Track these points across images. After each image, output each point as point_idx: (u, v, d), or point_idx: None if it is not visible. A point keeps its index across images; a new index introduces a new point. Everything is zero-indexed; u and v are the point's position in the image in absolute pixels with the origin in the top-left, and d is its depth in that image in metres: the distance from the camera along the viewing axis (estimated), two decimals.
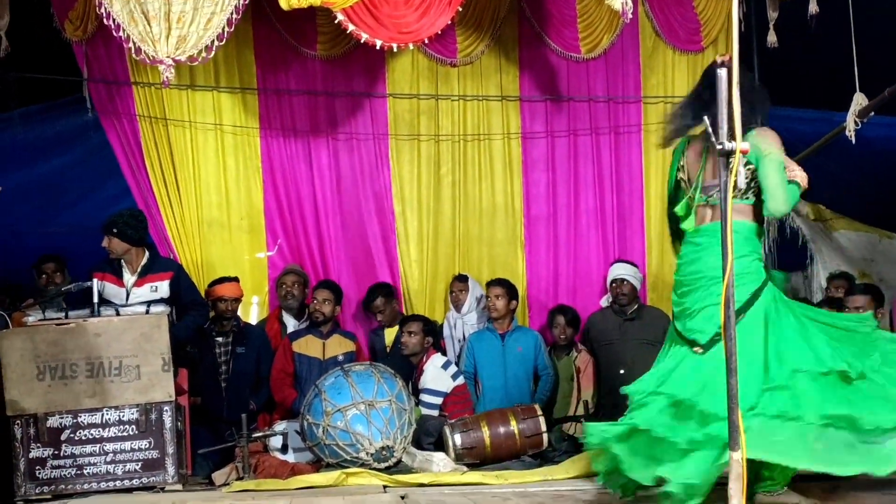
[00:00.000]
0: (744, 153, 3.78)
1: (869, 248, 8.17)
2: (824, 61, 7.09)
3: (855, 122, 6.68)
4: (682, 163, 4.69)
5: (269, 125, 8.22)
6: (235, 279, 7.50)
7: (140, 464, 5.96)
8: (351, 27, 6.74)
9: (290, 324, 7.69)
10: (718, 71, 3.82)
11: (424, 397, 7.16)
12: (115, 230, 6.67)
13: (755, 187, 4.50)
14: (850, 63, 6.65)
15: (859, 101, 6.65)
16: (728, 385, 3.71)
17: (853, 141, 6.70)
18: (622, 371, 7.56)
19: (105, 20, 6.52)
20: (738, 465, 3.61)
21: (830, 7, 6.88)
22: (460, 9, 7.00)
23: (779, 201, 4.40)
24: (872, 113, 6.73)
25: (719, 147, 3.72)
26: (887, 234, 8.45)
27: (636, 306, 7.77)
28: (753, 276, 4.46)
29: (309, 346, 7.35)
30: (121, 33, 6.49)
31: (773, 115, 8.59)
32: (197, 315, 6.84)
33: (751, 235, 4.53)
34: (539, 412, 6.81)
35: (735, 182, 3.70)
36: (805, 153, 7.83)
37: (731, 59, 3.79)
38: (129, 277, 6.73)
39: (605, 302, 8.00)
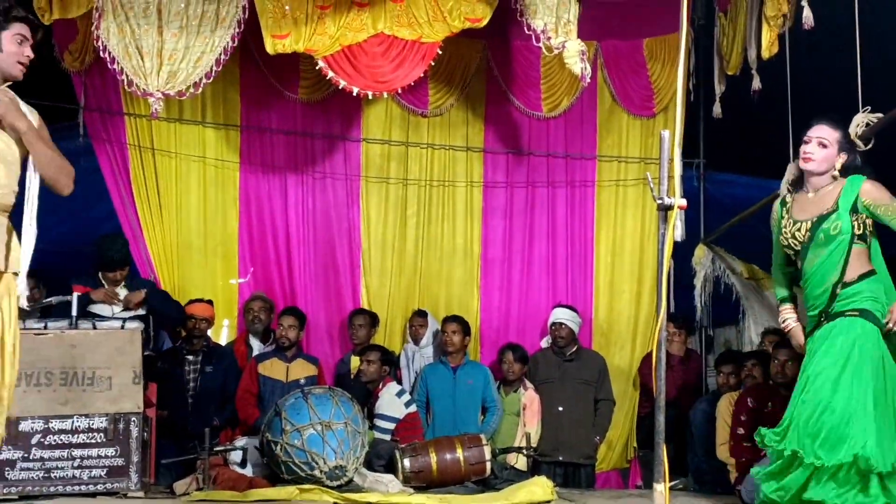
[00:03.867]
0: (682, 209, 3.84)
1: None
2: (762, 132, 7.20)
3: (787, 189, 6.71)
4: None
5: (249, 161, 8.23)
6: (209, 301, 7.47)
7: (105, 470, 5.89)
8: (330, 74, 6.80)
9: (256, 346, 7.64)
10: (662, 133, 3.89)
11: (378, 422, 7.13)
12: (128, 263, 6.81)
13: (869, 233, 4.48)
14: (787, 135, 6.74)
15: (792, 170, 6.68)
16: (656, 421, 3.75)
17: None
18: (560, 408, 7.61)
19: (101, 53, 6.54)
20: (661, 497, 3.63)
21: (771, 83, 6.99)
22: (433, 63, 7.07)
23: None
24: None
25: (659, 202, 3.79)
26: None
27: (575, 348, 7.80)
28: None
29: (273, 369, 7.30)
30: (115, 66, 6.51)
31: (714, 180, 8.81)
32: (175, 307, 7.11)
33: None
34: (484, 442, 6.80)
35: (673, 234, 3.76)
36: (740, 216, 7.93)
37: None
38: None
39: (545, 343, 8.03)
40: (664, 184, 3.80)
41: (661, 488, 3.61)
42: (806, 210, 4.60)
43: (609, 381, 7.82)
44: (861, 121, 5.52)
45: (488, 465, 6.73)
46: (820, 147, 4.59)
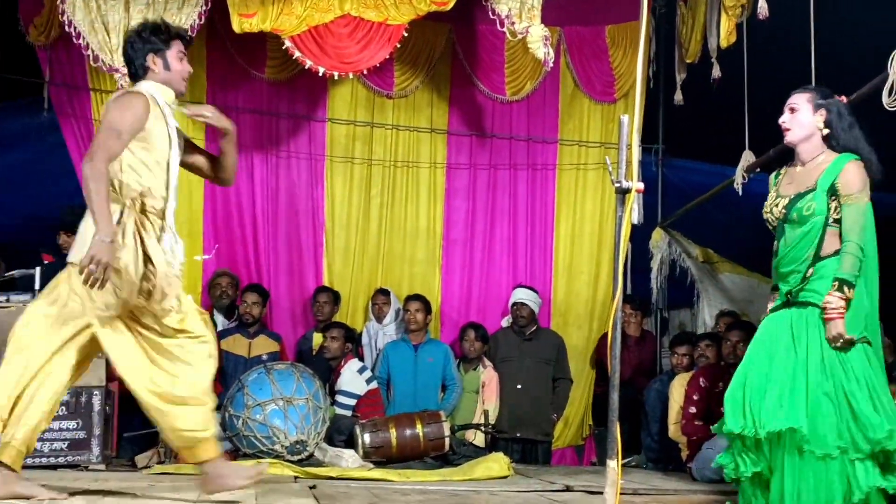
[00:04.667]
0: (640, 192, 3.82)
1: (749, 290, 8.31)
2: (720, 120, 7.22)
3: (743, 176, 6.76)
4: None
5: (215, 139, 8.03)
6: None
7: (67, 443, 5.85)
8: (297, 53, 6.76)
9: (220, 322, 7.59)
10: (621, 117, 3.87)
11: (339, 398, 7.12)
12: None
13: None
14: (743, 123, 6.78)
15: (748, 157, 6.74)
16: (611, 400, 3.76)
17: (740, 193, 6.78)
18: (519, 386, 7.64)
19: (67, 27, 6.43)
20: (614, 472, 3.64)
21: (729, 72, 7.02)
22: (398, 45, 7.05)
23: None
24: (759, 169, 6.82)
25: (617, 185, 3.77)
26: (766, 279, 8.59)
27: (534, 328, 7.83)
28: None
29: (236, 345, 7.27)
30: (81, 41, 6.40)
31: (672, 166, 8.86)
32: None
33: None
34: (443, 418, 6.81)
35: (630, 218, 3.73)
36: (697, 202, 7.98)
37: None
38: None
39: (505, 322, 8.06)
40: (623, 168, 3.78)
41: (614, 465, 3.62)
42: (792, 184, 4.26)
43: (567, 360, 7.87)
44: None
45: (447, 441, 6.74)
46: (790, 112, 4.27)
